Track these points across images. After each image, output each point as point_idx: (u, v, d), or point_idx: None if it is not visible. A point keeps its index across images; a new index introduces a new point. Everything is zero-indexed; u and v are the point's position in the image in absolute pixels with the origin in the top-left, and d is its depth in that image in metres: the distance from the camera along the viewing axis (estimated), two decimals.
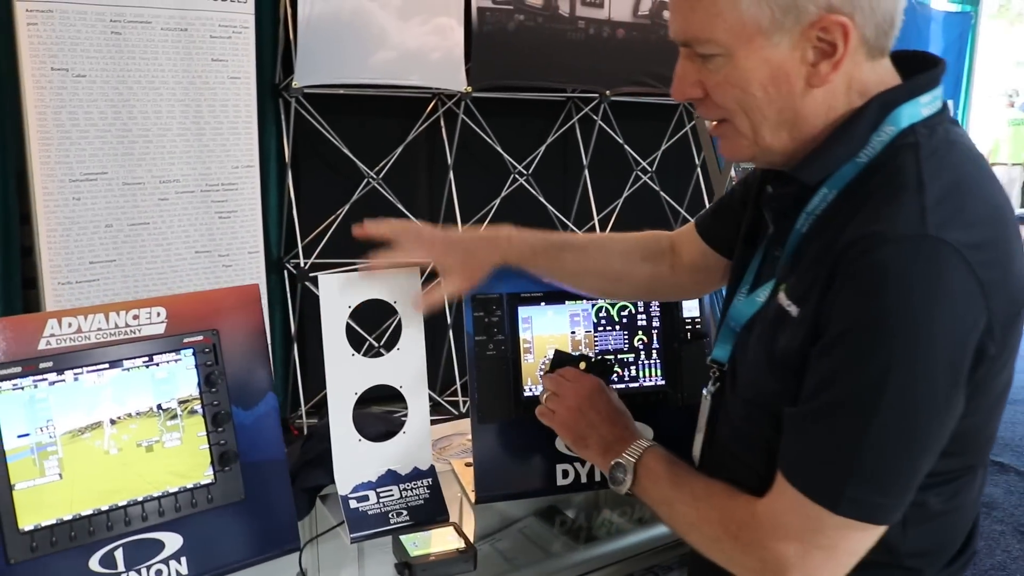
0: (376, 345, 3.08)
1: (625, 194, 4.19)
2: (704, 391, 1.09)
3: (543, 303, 1.40)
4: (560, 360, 1.33)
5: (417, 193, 3.80)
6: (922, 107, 0.90)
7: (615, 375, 1.43)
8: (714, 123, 0.96)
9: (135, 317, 1.12)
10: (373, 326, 3.06)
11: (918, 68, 0.92)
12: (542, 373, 1.35)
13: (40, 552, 1.03)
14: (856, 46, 0.86)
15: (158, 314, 1.13)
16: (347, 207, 3.49)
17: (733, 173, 2.32)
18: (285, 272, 3.46)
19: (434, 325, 3.42)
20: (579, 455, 1.32)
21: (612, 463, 1.11)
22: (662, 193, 4.30)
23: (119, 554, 1.08)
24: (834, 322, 0.84)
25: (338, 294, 1.26)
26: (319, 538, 1.30)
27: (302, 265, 3.42)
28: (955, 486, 0.94)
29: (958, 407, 0.85)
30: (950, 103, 1.00)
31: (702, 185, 4.38)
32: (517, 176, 3.89)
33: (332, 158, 3.51)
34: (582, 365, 1.31)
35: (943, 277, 0.80)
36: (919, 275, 0.80)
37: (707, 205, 4.31)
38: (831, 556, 0.88)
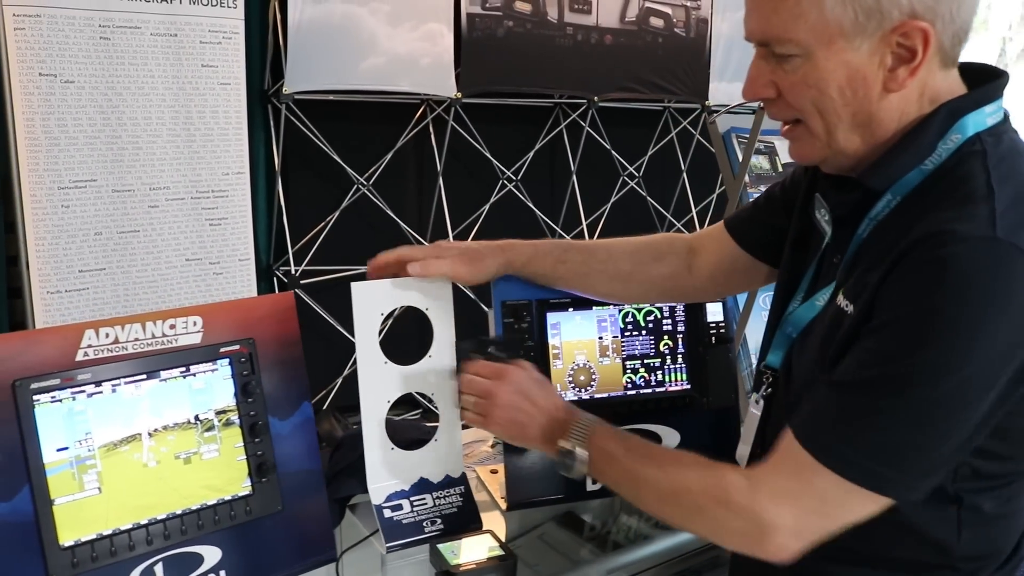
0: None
1: (612, 199, 4.20)
2: (755, 396, 1.10)
3: (571, 309, 1.40)
4: (463, 352, 1.27)
5: (406, 199, 3.78)
6: (987, 116, 0.91)
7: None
8: (786, 126, 0.96)
9: (172, 327, 1.10)
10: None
11: (981, 79, 0.93)
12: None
13: (81, 568, 1.00)
14: (933, 53, 0.87)
15: (195, 323, 1.11)
16: (337, 213, 3.46)
17: (747, 179, 2.34)
18: (275, 279, 3.42)
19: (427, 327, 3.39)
20: (522, 447, 1.28)
21: (560, 448, 1.09)
22: (648, 198, 4.33)
23: (159, 568, 1.06)
24: (887, 307, 0.85)
25: (370, 302, 1.25)
26: (351, 549, 1.29)
27: (292, 272, 3.38)
28: (1010, 490, 0.95)
29: (987, 405, 0.85)
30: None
31: (688, 190, 4.42)
32: (506, 182, 3.88)
33: (321, 164, 3.47)
34: (491, 349, 1.26)
35: (1009, 279, 0.81)
36: (985, 274, 0.81)
37: (693, 210, 4.40)
38: (828, 521, 0.89)
